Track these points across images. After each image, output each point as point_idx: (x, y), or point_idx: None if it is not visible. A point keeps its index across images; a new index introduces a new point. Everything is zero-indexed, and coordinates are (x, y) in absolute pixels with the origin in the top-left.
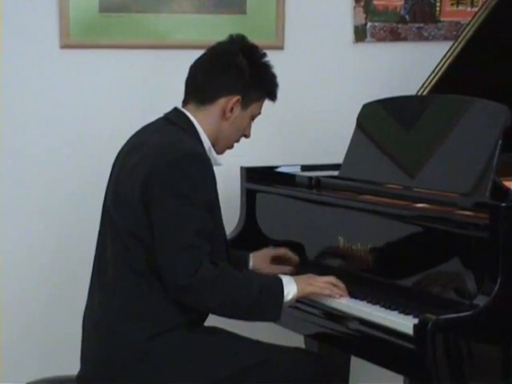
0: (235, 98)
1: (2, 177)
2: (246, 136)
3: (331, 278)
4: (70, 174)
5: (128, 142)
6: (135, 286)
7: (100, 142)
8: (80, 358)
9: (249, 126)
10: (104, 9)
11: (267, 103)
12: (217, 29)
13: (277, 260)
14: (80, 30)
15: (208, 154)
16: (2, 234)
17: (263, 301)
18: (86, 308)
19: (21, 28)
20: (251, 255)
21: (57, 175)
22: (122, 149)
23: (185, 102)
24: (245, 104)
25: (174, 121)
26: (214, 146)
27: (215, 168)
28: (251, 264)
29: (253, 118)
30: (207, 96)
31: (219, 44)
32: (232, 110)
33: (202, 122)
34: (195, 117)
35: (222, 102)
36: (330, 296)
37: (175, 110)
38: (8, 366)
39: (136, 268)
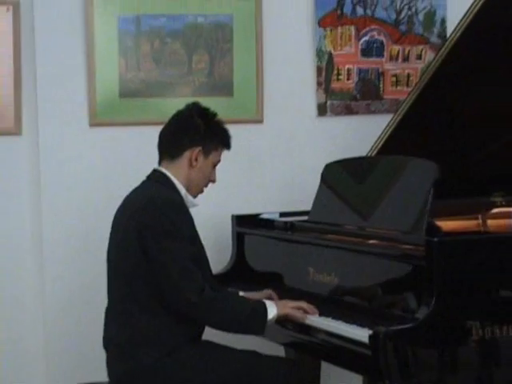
0: (197, 149)
1: (46, 230)
2: (213, 181)
3: (302, 303)
4: (98, 227)
5: (122, 202)
6: (141, 315)
7: (119, 199)
8: (107, 373)
9: (213, 173)
10: (123, 95)
11: (252, 166)
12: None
13: None
14: (104, 112)
15: (185, 198)
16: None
17: (252, 319)
18: (105, 333)
19: (56, 111)
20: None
21: (87, 228)
22: (118, 209)
23: (160, 162)
24: (206, 153)
25: (154, 178)
26: (187, 190)
27: (210, 216)
28: None
29: (214, 166)
30: (175, 152)
31: (178, 112)
32: (196, 159)
33: (175, 174)
34: (169, 171)
35: (187, 154)
36: (300, 317)
37: (154, 170)
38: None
39: (139, 300)
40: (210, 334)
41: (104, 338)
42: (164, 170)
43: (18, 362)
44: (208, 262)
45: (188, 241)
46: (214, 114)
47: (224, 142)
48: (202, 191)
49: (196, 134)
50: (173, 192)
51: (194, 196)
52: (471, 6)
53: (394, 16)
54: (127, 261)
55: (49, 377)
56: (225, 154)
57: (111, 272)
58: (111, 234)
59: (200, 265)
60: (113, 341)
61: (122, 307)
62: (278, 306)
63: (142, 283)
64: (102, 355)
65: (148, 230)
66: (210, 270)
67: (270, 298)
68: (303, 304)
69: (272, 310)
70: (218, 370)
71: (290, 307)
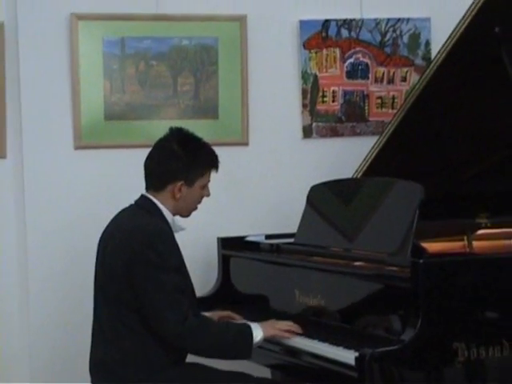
0: (179, 184)
1: (31, 255)
2: (207, 196)
3: (289, 323)
4: (78, 244)
5: (108, 226)
6: (129, 338)
7: (104, 222)
8: None
9: (205, 191)
10: (108, 117)
11: (238, 188)
12: (195, 131)
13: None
14: (89, 135)
15: (171, 224)
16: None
17: (237, 343)
18: (91, 354)
19: (41, 133)
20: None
21: (69, 244)
22: (104, 231)
23: (147, 189)
24: (189, 183)
25: (142, 205)
26: (178, 214)
27: (196, 238)
28: None
29: (204, 187)
30: (158, 185)
31: (160, 140)
32: (180, 190)
33: (162, 202)
34: (156, 199)
35: (169, 188)
36: (287, 337)
37: (142, 196)
38: None
39: (127, 323)
40: (196, 357)
41: (90, 358)
42: (152, 198)
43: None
44: (193, 287)
45: (174, 271)
46: (197, 139)
47: (210, 165)
48: (195, 209)
49: (177, 166)
50: (161, 220)
51: (187, 216)
52: (455, 28)
53: (378, 38)
54: (114, 285)
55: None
56: (211, 176)
57: (98, 293)
58: (98, 256)
59: (185, 293)
60: (100, 361)
61: (109, 327)
62: (264, 327)
63: (128, 307)
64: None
65: (136, 259)
66: (195, 296)
67: (231, 318)
68: (289, 324)
69: (258, 333)
70: None
71: (277, 328)
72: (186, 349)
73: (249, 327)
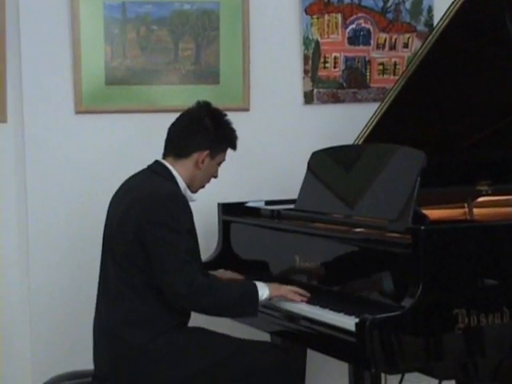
0: (205, 153)
1: (32, 215)
2: (215, 177)
3: (294, 287)
4: (79, 208)
5: (120, 187)
6: (133, 299)
7: (105, 187)
8: (93, 360)
9: (217, 170)
10: (109, 82)
11: (239, 154)
12: (197, 96)
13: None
14: (90, 99)
15: (184, 193)
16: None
17: (244, 301)
18: (95, 318)
19: (42, 98)
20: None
21: (70, 208)
22: (116, 192)
23: (164, 155)
24: (213, 155)
25: (156, 170)
26: (189, 187)
27: (197, 204)
28: None
29: (219, 164)
30: (183, 153)
31: (189, 110)
32: (203, 161)
33: (179, 170)
34: (173, 166)
35: (195, 156)
36: (292, 300)
37: (156, 162)
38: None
39: (133, 284)
40: (198, 321)
41: (95, 318)
42: (167, 164)
43: (3, 350)
44: (199, 251)
45: (185, 233)
46: (224, 115)
47: (231, 143)
48: (203, 187)
49: (206, 137)
50: (174, 185)
51: (195, 192)
52: None
53: (381, 4)
54: (123, 245)
55: (35, 366)
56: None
57: (106, 254)
58: (108, 218)
59: (195, 256)
60: (103, 322)
61: (114, 288)
62: (271, 287)
63: (136, 270)
64: (87, 346)
65: (148, 222)
66: (200, 259)
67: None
68: (295, 288)
69: (264, 291)
70: (206, 353)
71: (283, 289)
72: (193, 308)
73: (255, 285)
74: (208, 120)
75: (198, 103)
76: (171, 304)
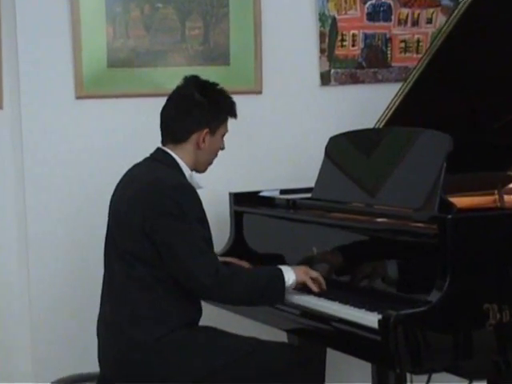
0: (204, 131)
1: (30, 205)
2: (222, 149)
3: (319, 275)
4: (79, 196)
5: (123, 177)
6: (141, 294)
7: (108, 176)
8: (98, 360)
9: (222, 143)
10: (111, 64)
11: (251, 140)
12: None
13: None
14: (91, 83)
15: (189, 180)
16: (37, 256)
17: (270, 287)
18: (99, 318)
19: (40, 82)
20: None
21: (69, 196)
22: (119, 183)
23: (163, 142)
24: (213, 131)
25: (159, 159)
26: (196, 170)
27: (207, 194)
28: None
29: (222, 136)
30: (180, 137)
31: (177, 89)
32: (204, 140)
33: (181, 156)
34: (175, 153)
35: (194, 137)
36: (315, 291)
37: (158, 149)
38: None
39: (140, 280)
40: (210, 321)
41: (99, 317)
42: (169, 151)
43: (3, 353)
44: (212, 241)
45: (196, 222)
46: (216, 85)
47: (230, 112)
48: (211, 163)
49: (200, 113)
50: (179, 174)
51: (203, 171)
52: None
53: None
54: (127, 239)
55: (35, 368)
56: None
57: (110, 248)
58: (111, 209)
59: (211, 245)
60: (109, 320)
61: (119, 284)
62: (297, 272)
63: (143, 263)
64: (91, 347)
65: (153, 213)
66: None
67: None
68: (320, 277)
69: (290, 276)
70: (219, 353)
71: (310, 276)
72: (221, 299)
73: (280, 270)
74: (198, 95)
75: (185, 78)
76: (198, 297)
